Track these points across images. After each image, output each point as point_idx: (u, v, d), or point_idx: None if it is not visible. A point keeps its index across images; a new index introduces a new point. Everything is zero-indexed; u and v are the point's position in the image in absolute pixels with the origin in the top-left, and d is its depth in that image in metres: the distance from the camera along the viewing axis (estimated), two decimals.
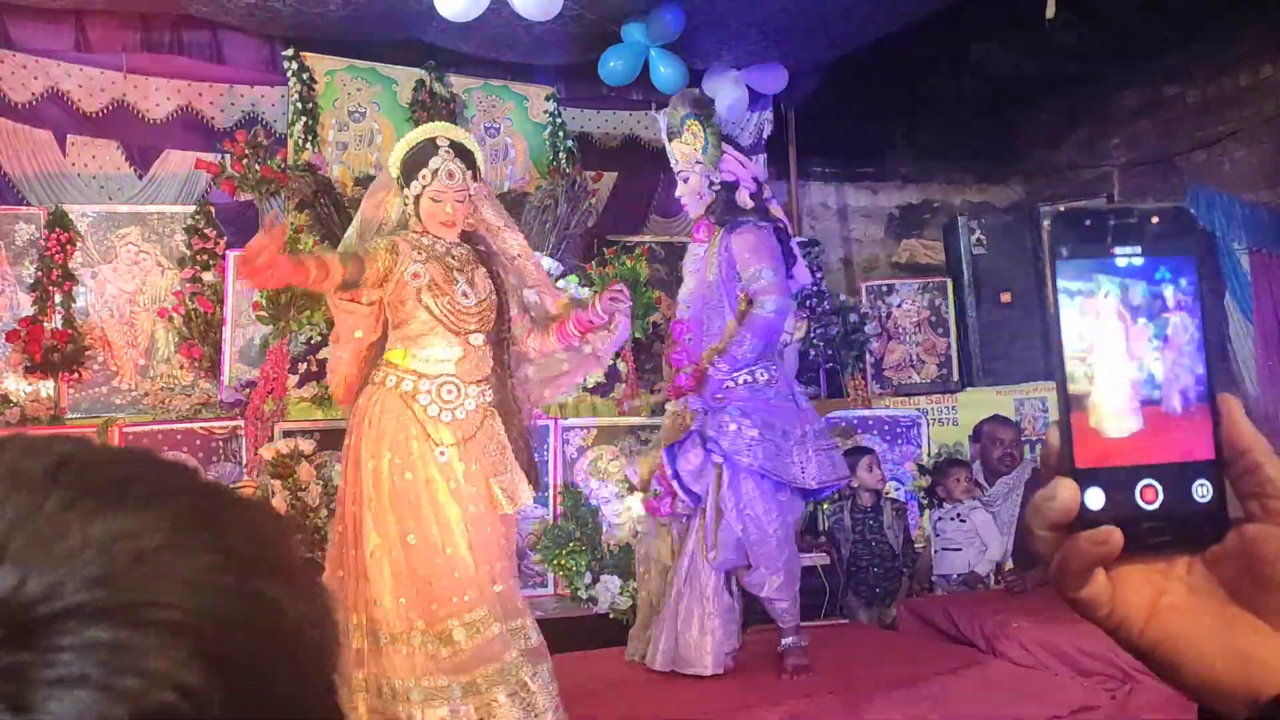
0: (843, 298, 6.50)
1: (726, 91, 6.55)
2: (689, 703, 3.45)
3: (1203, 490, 0.54)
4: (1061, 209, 0.55)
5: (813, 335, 6.34)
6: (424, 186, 3.11)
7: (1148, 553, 0.54)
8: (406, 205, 3.17)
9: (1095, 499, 0.53)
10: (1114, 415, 0.54)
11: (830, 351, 6.25)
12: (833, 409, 5.92)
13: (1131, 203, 0.57)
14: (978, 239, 6.35)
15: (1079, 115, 7.78)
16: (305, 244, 4.61)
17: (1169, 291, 0.54)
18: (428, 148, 3.12)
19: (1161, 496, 0.53)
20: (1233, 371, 6.29)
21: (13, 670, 0.35)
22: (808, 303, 6.45)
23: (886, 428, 5.68)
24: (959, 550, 4.65)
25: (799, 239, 6.89)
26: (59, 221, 4.93)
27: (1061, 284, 0.54)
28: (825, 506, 5.20)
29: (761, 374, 3.79)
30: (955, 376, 6.29)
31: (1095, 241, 0.54)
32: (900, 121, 7.64)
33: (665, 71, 5.78)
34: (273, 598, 0.42)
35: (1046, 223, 0.53)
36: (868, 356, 6.37)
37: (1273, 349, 6.23)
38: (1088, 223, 0.54)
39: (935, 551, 4.73)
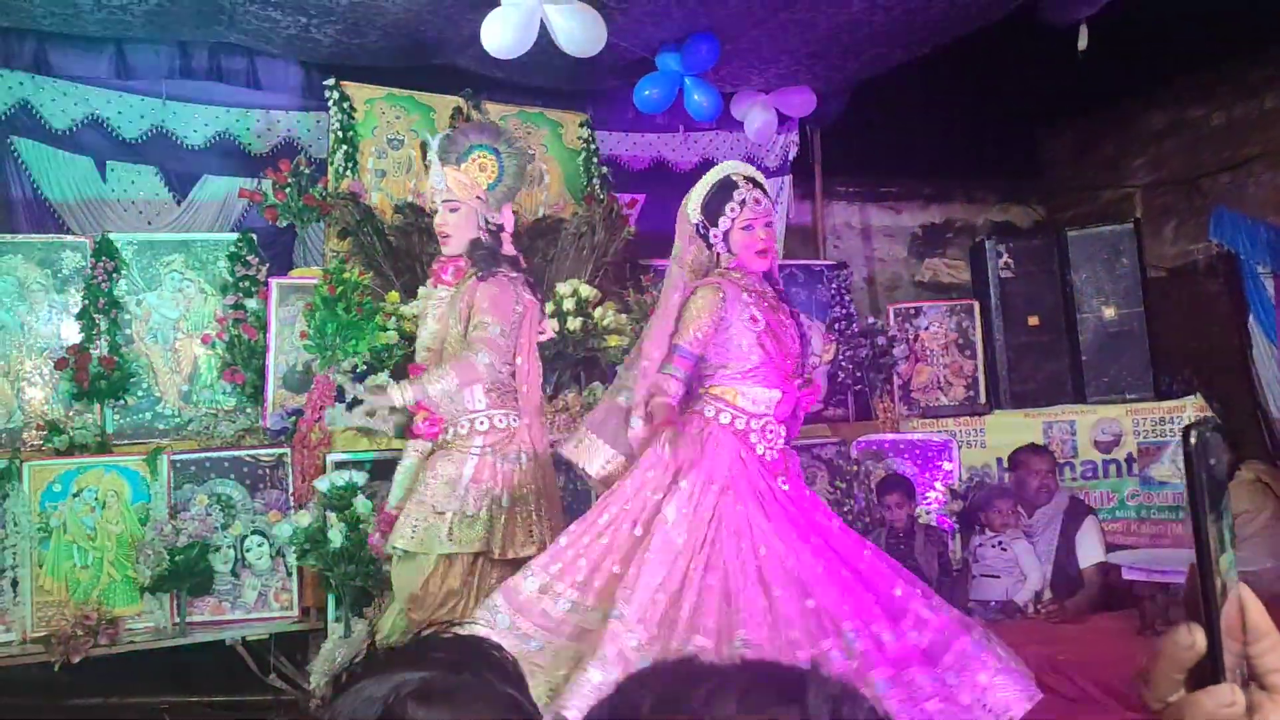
0: (871, 320, 6.55)
1: (755, 114, 6.63)
2: None
3: (1244, 667, 0.63)
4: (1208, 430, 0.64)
5: (841, 358, 6.39)
6: (734, 220, 3.26)
7: None
8: (713, 246, 3.33)
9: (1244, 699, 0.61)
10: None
11: (859, 374, 6.30)
12: (862, 432, 5.97)
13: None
14: (1005, 262, 6.40)
15: (1102, 136, 7.84)
16: (351, 273, 4.66)
17: None
18: (725, 185, 3.28)
19: (1239, 681, 0.62)
20: (1257, 396, 6.34)
21: None
22: (836, 325, 6.50)
23: (918, 451, 5.73)
24: (997, 578, 4.70)
25: (826, 262, 6.98)
26: (105, 250, 4.99)
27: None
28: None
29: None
30: (983, 399, 6.33)
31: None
32: (923, 141, 7.70)
33: (699, 99, 5.84)
34: None
35: (1193, 440, 0.61)
36: (895, 379, 6.41)
37: None
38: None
39: (973, 577, 4.77)
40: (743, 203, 3.25)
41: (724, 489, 3.14)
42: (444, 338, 3.62)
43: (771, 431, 3.26)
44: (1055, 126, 8.18)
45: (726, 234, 3.28)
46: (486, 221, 3.60)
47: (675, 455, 3.11)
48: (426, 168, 3.69)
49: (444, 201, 3.58)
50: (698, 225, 3.35)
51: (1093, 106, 7.67)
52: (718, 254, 3.34)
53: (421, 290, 3.75)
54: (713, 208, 3.29)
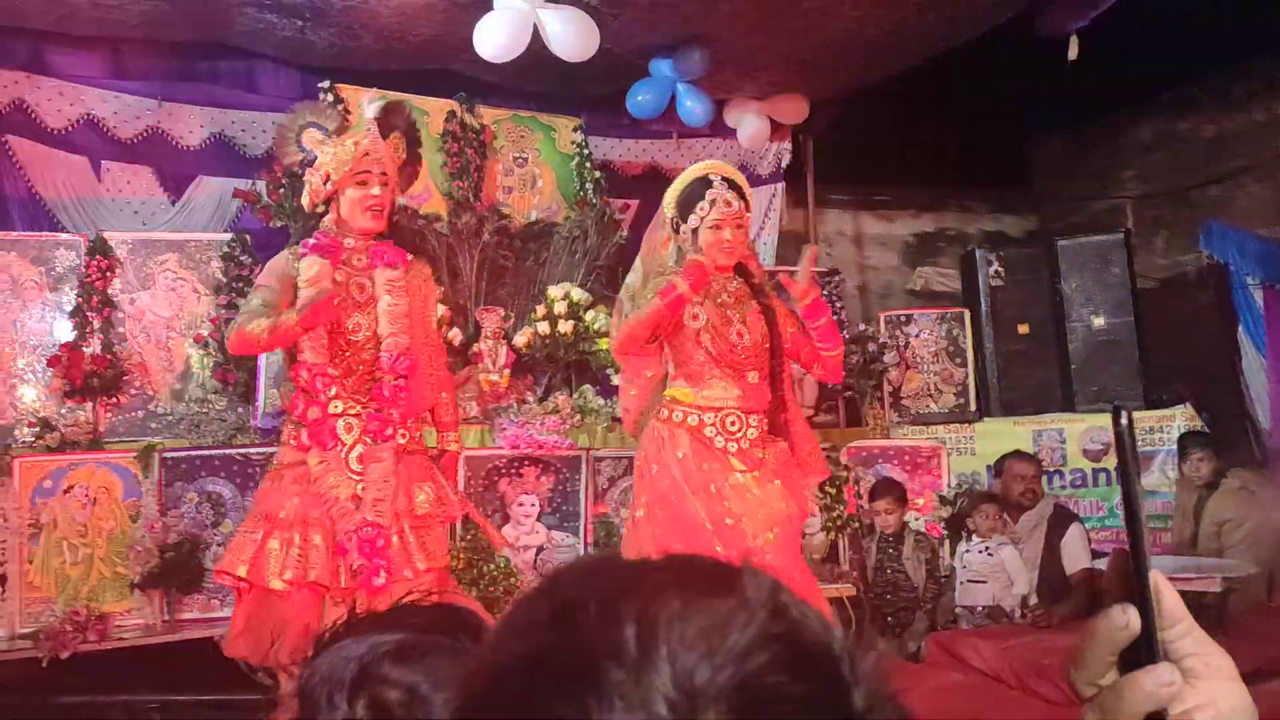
0: (862, 327, 6.58)
1: (748, 122, 6.66)
2: None
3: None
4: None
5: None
6: (702, 218, 3.28)
7: None
8: (684, 243, 3.35)
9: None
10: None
11: (849, 380, 6.32)
12: (852, 438, 6.00)
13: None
14: (995, 271, 6.44)
15: (1093, 147, 7.89)
16: None
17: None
18: (702, 183, 3.31)
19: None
20: (1246, 406, 6.38)
21: None
22: None
23: (907, 458, 5.76)
24: (984, 583, 4.72)
25: (818, 269, 6.99)
26: (100, 249, 5.01)
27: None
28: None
29: None
30: (973, 407, 6.37)
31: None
32: (916, 150, 7.74)
33: (691, 106, 5.88)
34: None
35: (1124, 420, 0.62)
36: (886, 385, 6.44)
37: None
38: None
39: (960, 583, 4.80)
40: (713, 202, 3.28)
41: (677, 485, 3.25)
42: (413, 319, 3.33)
43: (734, 422, 3.29)
44: (1047, 137, 8.23)
45: (695, 231, 3.32)
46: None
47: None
48: (339, 122, 3.31)
49: (381, 174, 3.24)
50: (672, 220, 3.39)
51: (1083, 118, 7.72)
52: (682, 250, 3.38)
53: (313, 263, 3.17)
54: (686, 204, 3.34)
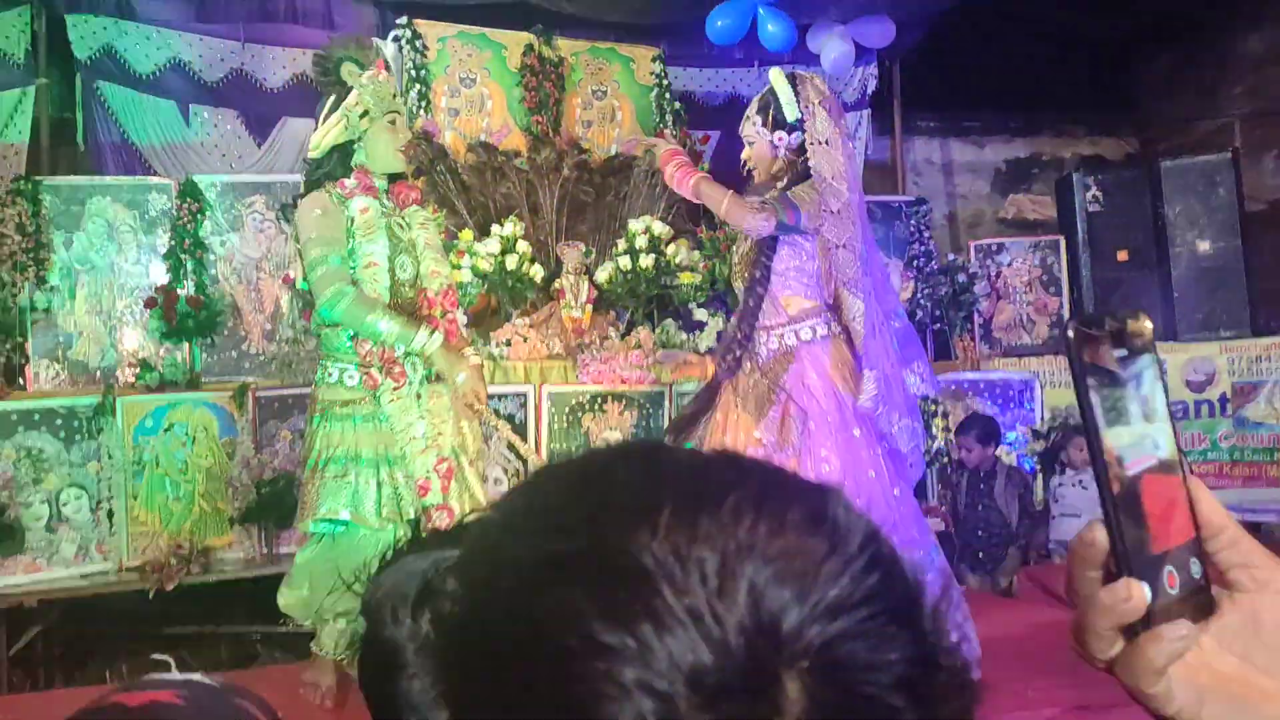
0: (951, 257, 6.40)
1: (832, 46, 6.45)
2: None
3: (1196, 567, 0.57)
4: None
5: (919, 296, 6.27)
6: None
7: None
8: None
9: (1146, 593, 0.54)
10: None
11: (938, 312, 6.18)
12: (941, 371, 5.86)
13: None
14: (1093, 195, 6.19)
15: (1199, 63, 7.48)
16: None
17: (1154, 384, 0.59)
18: None
19: (1178, 580, 0.56)
20: None
21: None
22: (915, 263, 6.38)
23: (998, 391, 5.62)
24: (1078, 517, 4.62)
25: (904, 198, 6.81)
26: (190, 191, 5.10)
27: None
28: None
29: None
30: None
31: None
32: (1008, 72, 7.42)
33: (773, 30, 5.72)
34: None
35: (1070, 333, 0.56)
36: (976, 317, 6.28)
37: None
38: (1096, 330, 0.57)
39: (1053, 517, 4.70)
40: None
41: None
42: (441, 256, 3.40)
43: (757, 336, 3.31)
44: (1149, 54, 7.82)
45: None
46: None
47: None
48: (367, 64, 3.22)
49: (397, 113, 3.25)
50: None
51: (1188, 32, 7.31)
52: None
53: (366, 205, 3.17)
54: None
